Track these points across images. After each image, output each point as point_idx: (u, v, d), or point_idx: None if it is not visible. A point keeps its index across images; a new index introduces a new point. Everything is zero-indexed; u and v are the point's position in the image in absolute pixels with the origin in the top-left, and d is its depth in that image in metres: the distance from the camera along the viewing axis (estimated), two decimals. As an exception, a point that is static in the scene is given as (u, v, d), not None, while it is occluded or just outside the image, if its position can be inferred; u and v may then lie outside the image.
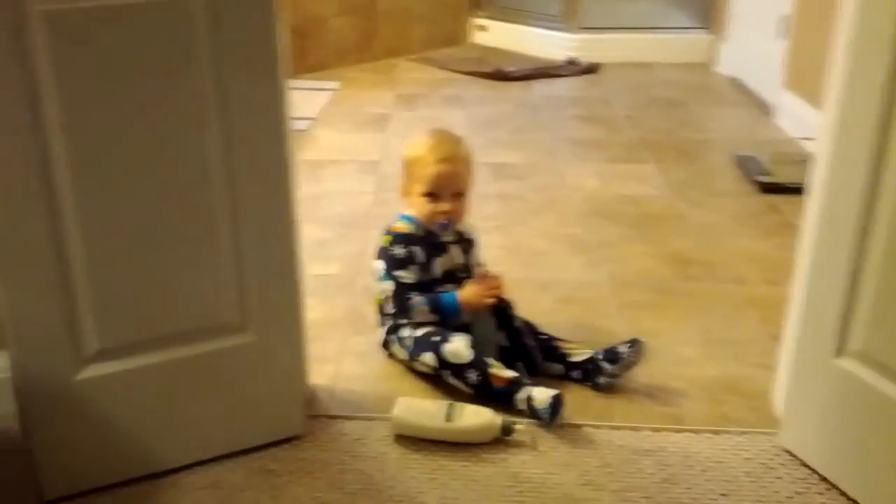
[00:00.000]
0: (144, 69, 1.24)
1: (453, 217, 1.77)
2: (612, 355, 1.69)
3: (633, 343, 1.70)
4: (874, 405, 1.38)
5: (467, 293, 1.72)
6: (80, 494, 1.41)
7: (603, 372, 1.69)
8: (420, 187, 1.75)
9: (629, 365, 1.70)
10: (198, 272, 1.38)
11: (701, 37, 4.40)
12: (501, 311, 1.75)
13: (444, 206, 1.75)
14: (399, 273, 1.74)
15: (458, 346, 1.66)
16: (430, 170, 1.74)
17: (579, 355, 1.73)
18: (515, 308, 1.78)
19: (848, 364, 1.41)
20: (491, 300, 1.72)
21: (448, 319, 1.73)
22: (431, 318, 1.73)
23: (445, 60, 4.29)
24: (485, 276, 1.76)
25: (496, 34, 4.64)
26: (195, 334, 1.42)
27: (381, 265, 1.76)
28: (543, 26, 4.48)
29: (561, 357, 1.74)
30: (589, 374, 1.71)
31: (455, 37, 4.66)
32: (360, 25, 4.21)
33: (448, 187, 1.75)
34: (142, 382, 1.40)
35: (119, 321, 1.35)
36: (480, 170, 2.86)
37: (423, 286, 1.75)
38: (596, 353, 1.71)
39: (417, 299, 1.73)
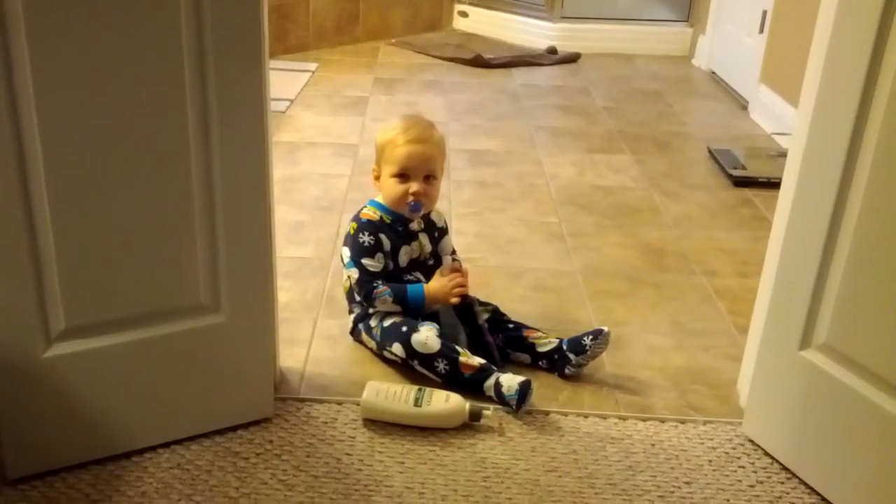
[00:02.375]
0: (122, 43, 1.22)
1: (423, 199, 1.76)
2: (576, 346, 1.70)
3: (597, 335, 1.70)
4: (837, 397, 1.40)
5: (433, 288, 1.72)
6: (45, 474, 1.40)
7: (569, 362, 1.70)
8: (390, 169, 1.75)
9: (594, 355, 1.71)
10: (170, 252, 1.37)
11: (681, 30, 4.42)
12: (466, 307, 1.75)
13: (414, 186, 1.74)
14: (366, 261, 1.74)
15: (427, 336, 1.67)
16: (400, 150, 1.74)
17: (546, 345, 1.73)
18: (478, 304, 1.77)
19: (812, 356, 1.43)
20: (456, 299, 1.72)
21: (412, 311, 1.73)
22: (395, 308, 1.73)
23: (426, 45, 4.28)
24: (452, 272, 1.75)
25: (477, 21, 4.63)
26: (165, 314, 1.41)
27: (347, 252, 1.76)
28: (525, 14, 4.47)
29: (528, 347, 1.74)
30: (555, 363, 1.72)
31: (436, 22, 4.65)
32: (341, 8, 4.18)
33: (418, 168, 1.74)
34: (110, 362, 1.39)
35: (88, 299, 1.34)
36: (458, 156, 2.87)
37: (389, 275, 1.75)
38: (562, 343, 1.72)
39: (382, 289, 1.72)
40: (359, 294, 1.74)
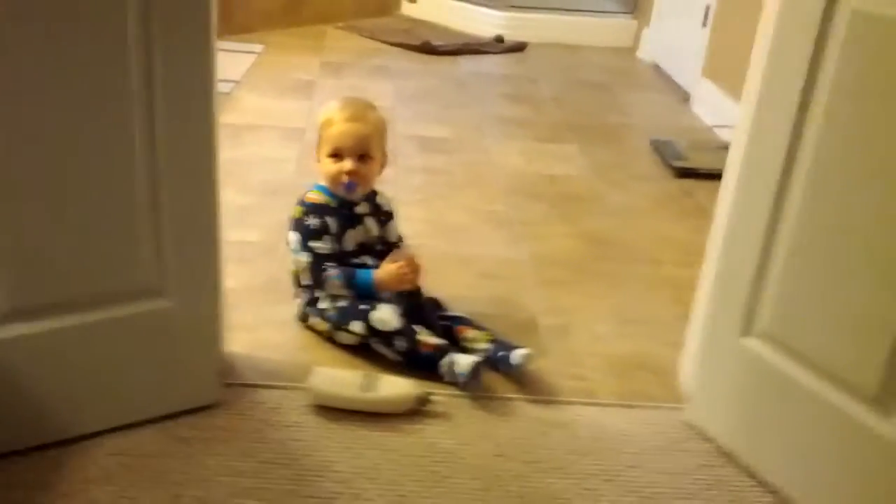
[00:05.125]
0: (68, 20, 1.19)
1: (357, 179, 1.74)
2: (496, 363, 1.67)
3: (508, 369, 1.66)
4: (776, 383, 1.44)
5: (383, 274, 1.71)
6: (-16, 459, 1.36)
7: (498, 370, 1.69)
8: (326, 148, 1.75)
9: (516, 373, 1.68)
10: (115, 234, 1.34)
11: (626, 22, 4.48)
12: (411, 294, 1.74)
13: (348, 164, 1.73)
14: (314, 244, 1.73)
15: (387, 314, 1.67)
16: (335, 128, 1.74)
17: (476, 352, 1.69)
18: (423, 293, 1.77)
19: (753, 344, 1.47)
20: (406, 286, 1.72)
21: (360, 296, 1.72)
22: (345, 292, 1.72)
23: (374, 30, 4.25)
24: (405, 260, 1.73)
25: (425, 7, 4.62)
26: (110, 297, 1.38)
27: (295, 237, 1.75)
28: (473, 2, 4.48)
29: (461, 350, 1.70)
30: (489, 365, 1.68)
31: (385, 7, 4.62)
32: (288, -11, 4.13)
33: (354, 147, 1.73)
34: (53, 345, 1.35)
35: (31, 281, 1.30)
36: (407, 143, 2.87)
37: (337, 258, 1.74)
38: (488, 352, 1.68)
39: (332, 272, 1.71)
40: (309, 278, 1.73)
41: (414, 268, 1.73)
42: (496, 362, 1.68)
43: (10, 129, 1.21)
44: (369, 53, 3.94)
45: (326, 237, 1.74)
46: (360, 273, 1.72)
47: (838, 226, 1.32)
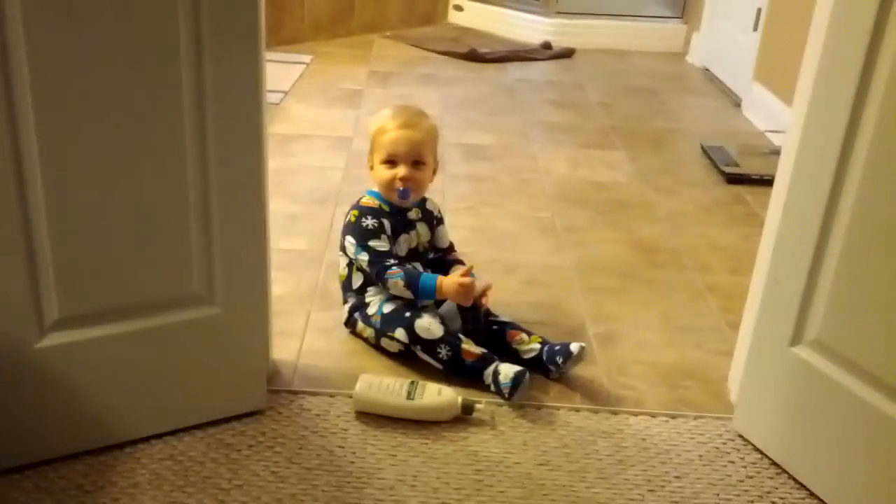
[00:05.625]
0: (119, 35, 1.22)
1: (410, 185, 1.76)
2: (552, 360, 1.68)
3: (567, 357, 1.66)
4: (827, 393, 1.41)
5: (449, 288, 1.69)
6: (38, 464, 1.40)
7: (549, 371, 1.70)
8: (380, 155, 1.76)
9: (570, 369, 1.69)
10: (165, 243, 1.37)
11: (676, 26, 4.43)
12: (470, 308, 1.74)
13: (401, 171, 1.74)
14: (372, 243, 1.73)
15: (430, 322, 1.67)
16: (388, 136, 1.75)
17: (527, 352, 1.70)
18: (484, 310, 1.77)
19: (803, 352, 1.44)
20: (466, 303, 1.71)
21: (419, 299, 1.73)
22: (404, 293, 1.72)
23: (420, 39, 4.28)
24: (481, 286, 1.71)
25: (473, 15, 4.63)
26: (160, 305, 1.41)
27: (351, 240, 1.76)
28: (520, 9, 4.48)
29: (512, 352, 1.72)
30: (539, 368, 1.70)
31: (432, 16, 4.64)
32: (336, 0, 4.17)
33: (407, 154, 1.75)
34: (103, 352, 1.39)
35: (82, 289, 1.34)
36: (453, 151, 2.88)
37: (393, 259, 1.74)
38: (542, 352, 1.69)
39: (396, 270, 1.71)
40: (372, 274, 1.73)
41: (482, 293, 1.73)
42: (552, 356, 1.68)
43: (62, 138, 1.24)
44: (416, 62, 3.96)
45: (384, 236, 1.75)
46: (426, 276, 1.72)
47: (892, 232, 1.28)
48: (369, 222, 1.75)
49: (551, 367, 1.68)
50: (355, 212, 1.78)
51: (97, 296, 1.35)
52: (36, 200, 1.25)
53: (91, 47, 1.21)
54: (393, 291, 1.73)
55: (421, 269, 1.78)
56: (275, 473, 1.43)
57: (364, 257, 1.73)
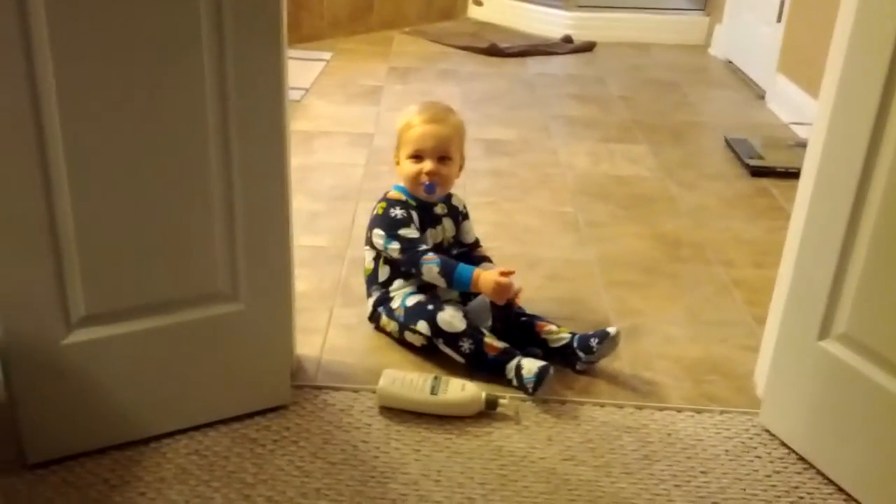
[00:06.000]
0: (142, 30, 1.22)
1: (437, 180, 1.76)
2: (585, 346, 1.68)
3: (603, 338, 1.67)
4: (855, 387, 1.39)
5: (486, 283, 1.68)
6: (65, 459, 1.41)
7: (579, 359, 1.69)
8: (407, 150, 1.77)
9: (602, 355, 1.70)
10: (189, 239, 1.38)
11: (697, 19, 4.39)
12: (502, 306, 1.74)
13: (428, 165, 1.74)
14: (402, 231, 1.73)
15: (452, 316, 1.67)
16: (415, 131, 1.76)
17: (557, 341, 1.71)
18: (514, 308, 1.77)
19: (831, 346, 1.42)
20: (499, 301, 1.70)
21: (452, 288, 1.73)
22: (439, 280, 1.71)
23: (440, 34, 4.27)
24: (511, 286, 1.70)
25: (492, 9, 4.61)
26: (184, 301, 1.41)
27: (380, 232, 1.75)
28: (540, 3, 4.45)
29: (541, 342, 1.73)
30: (567, 358, 1.71)
31: (451, 11, 4.63)
32: (356, -3, 4.18)
33: (434, 149, 1.75)
34: (129, 348, 1.40)
35: (108, 286, 1.35)
36: (474, 146, 2.87)
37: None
38: (573, 339, 1.70)
39: (432, 256, 1.71)
40: (405, 260, 1.73)
41: (515, 294, 1.72)
42: (585, 340, 1.68)
43: (86, 136, 1.25)
44: (436, 58, 3.95)
45: (413, 225, 1.75)
46: (463, 266, 1.71)
47: (921, 223, 1.27)
48: (398, 212, 1.75)
49: (581, 354, 1.68)
50: (383, 203, 1.78)
51: (123, 293, 1.36)
52: (62, 198, 1.26)
53: (114, 44, 1.21)
54: (426, 278, 1.72)
55: None
56: (299, 468, 1.43)
57: (395, 245, 1.73)
